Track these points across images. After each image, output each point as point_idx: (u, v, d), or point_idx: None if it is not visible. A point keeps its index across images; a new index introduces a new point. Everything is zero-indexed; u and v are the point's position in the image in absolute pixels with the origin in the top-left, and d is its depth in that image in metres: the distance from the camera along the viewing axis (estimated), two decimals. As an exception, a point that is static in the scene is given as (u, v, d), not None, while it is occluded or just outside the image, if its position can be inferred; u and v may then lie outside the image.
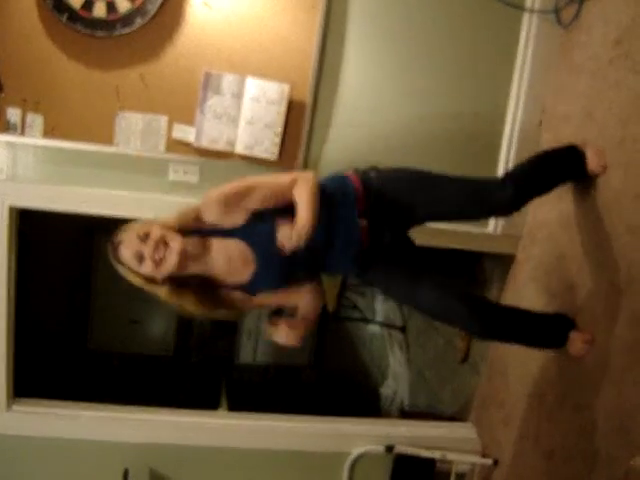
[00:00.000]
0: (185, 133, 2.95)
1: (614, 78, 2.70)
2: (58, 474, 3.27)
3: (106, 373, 5.28)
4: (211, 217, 2.20)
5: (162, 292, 2.17)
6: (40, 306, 4.90)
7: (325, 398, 5.28)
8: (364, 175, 2.40)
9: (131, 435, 3.28)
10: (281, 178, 2.23)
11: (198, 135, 2.93)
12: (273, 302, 2.41)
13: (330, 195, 2.27)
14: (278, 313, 2.47)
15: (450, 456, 3.35)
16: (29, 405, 3.28)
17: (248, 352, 5.76)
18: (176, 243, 2.11)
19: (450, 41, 3.11)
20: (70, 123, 2.89)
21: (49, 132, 2.88)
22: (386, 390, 4.83)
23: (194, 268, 2.20)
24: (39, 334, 4.78)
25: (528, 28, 3.14)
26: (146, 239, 2.10)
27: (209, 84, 2.89)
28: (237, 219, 2.20)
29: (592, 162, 2.65)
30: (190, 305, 2.21)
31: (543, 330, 2.70)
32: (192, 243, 2.17)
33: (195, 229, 2.21)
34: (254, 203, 2.19)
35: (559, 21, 3.11)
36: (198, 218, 2.21)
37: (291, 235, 2.10)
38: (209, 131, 2.92)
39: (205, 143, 2.95)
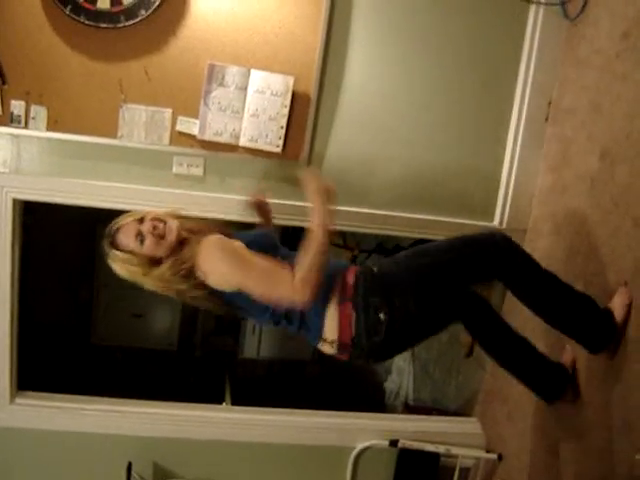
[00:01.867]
0: (189, 126, 2.94)
1: (621, 71, 2.68)
2: (61, 467, 3.28)
3: (109, 367, 5.28)
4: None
5: (161, 271, 2.24)
6: (43, 300, 4.91)
7: (329, 393, 5.27)
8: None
9: (135, 429, 3.28)
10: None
11: (202, 128, 2.92)
12: None
13: None
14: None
15: (454, 451, 3.35)
16: (32, 398, 3.28)
17: (252, 347, 5.75)
18: (172, 222, 2.26)
19: (456, 32, 3.10)
20: (74, 115, 2.88)
21: (53, 124, 2.87)
22: (390, 385, 4.82)
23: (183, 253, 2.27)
24: (42, 327, 4.78)
25: (534, 21, 3.13)
26: (143, 221, 2.24)
27: (213, 76, 2.88)
28: None
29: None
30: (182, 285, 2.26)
31: (542, 373, 2.67)
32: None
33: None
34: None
35: (565, 14, 3.09)
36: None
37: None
38: (213, 124, 2.91)
39: (209, 136, 2.93)
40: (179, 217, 2.37)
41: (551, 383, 2.69)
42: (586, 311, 2.47)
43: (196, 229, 2.35)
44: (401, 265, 2.37)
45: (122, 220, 2.28)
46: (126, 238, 2.23)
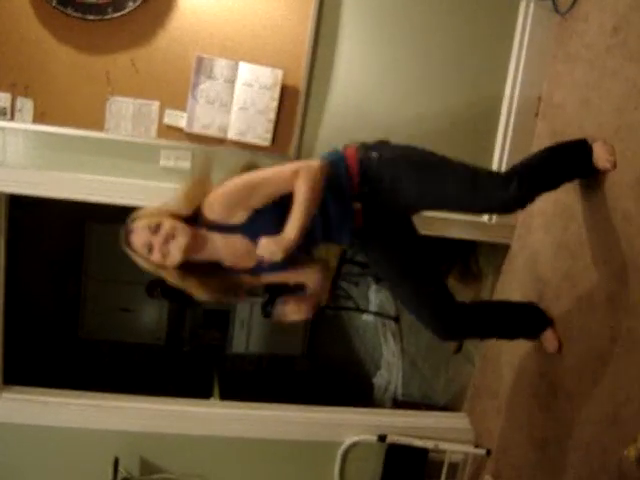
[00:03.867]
0: (177, 119, 2.92)
1: (611, 66, 2.68)
2: (48, 462, 3.25)
3: (97, 362, 5.27)
4: (214, 216, 2.22)
5: (169, 276, 2.24)
6: (31, 294, 4.89)
7: (318, 387, 5.28)
8: (365, 155, 2.37)
9: (122, 423, 3.26)
10: (284, 171, 2.20)
11: (190, 121, 2.89)
12: (281, 279, 2.43)
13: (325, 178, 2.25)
14: (272, 301, 2.47)
15: (443, 446, 3.34)
16: (19, 393, 3.26)
17: (241, 341, 5.76)
18: (183, 238, 2.16)
19: (446, 27, 3.08)
20: (60, 108, 2.85)
21: (39, 117, 2.85)
22: (379, 380, 4.82)
23: (202, 256, 2.26)
24: (30, 322, 4.76)
25: (525, 15, 3.12)
26: (157, 231, 2.15)
27: (201, 69, 2.86)
28: (240, 217, 2.21)
29: (599, 158, 2.57)
30: (195, 289, 2.27)
31: (518, 321, 2.84)
32: (201, 235, 2.23)
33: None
34: (258, 201, 2.20)
35: (556, 9, 3.08)
36: (200, 211, 2.23)
37: (270, 247, 2.10)
38: (201, 117, 2.89)
39: (197, 129, 2.91)
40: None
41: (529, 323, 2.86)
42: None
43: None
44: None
45: (138, 222, 2.19)
46: (137, 242, 2.18)
